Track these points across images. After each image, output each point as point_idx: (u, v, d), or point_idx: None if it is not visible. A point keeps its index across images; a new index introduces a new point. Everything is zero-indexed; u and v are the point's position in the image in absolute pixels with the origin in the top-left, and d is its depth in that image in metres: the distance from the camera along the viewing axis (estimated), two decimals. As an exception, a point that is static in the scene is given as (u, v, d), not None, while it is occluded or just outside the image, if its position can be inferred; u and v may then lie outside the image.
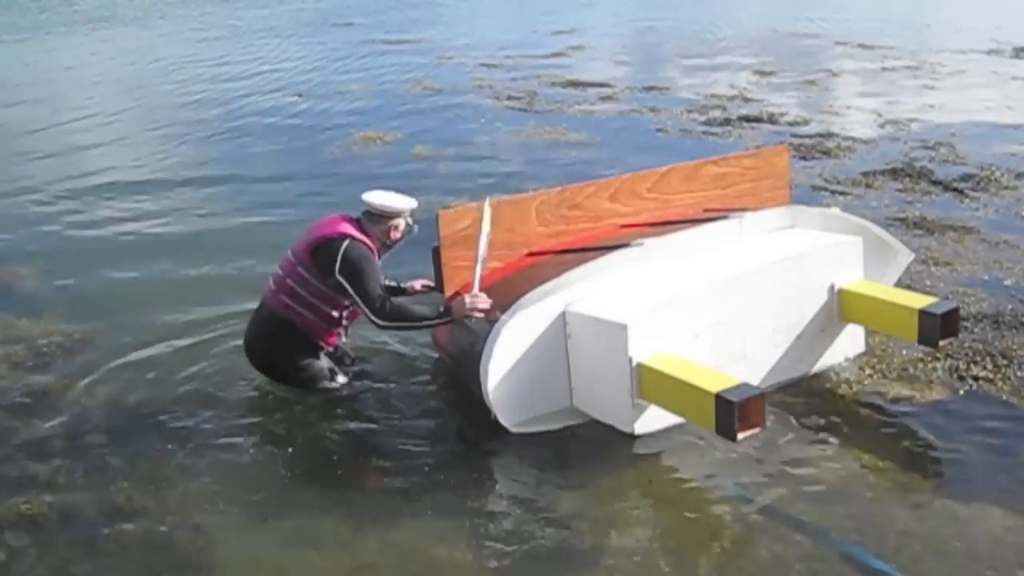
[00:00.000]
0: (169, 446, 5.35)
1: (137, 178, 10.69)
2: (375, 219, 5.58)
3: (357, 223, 5.56)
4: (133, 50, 20.60)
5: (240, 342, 5.94)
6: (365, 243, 5.47)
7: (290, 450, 5.32)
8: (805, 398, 5.56)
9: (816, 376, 5.75)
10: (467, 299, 5.23)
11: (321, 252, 5.42)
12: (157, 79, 17.23)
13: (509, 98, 14.04)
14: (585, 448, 5.18)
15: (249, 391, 5.90)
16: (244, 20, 26.04)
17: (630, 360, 4.88)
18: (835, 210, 6.34)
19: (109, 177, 10.76)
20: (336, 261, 5.36)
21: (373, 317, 5.32)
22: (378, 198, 5.58)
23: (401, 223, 5.62)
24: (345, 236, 5.43)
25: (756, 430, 4.59)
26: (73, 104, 15.13)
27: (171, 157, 11.56)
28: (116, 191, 10.22)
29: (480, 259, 5.39)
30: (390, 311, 5.31)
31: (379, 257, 5.57)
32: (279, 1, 29.92)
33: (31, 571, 4.42)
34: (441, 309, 5.33)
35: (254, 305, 5.88)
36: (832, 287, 5.62)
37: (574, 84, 15.07)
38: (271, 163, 11.14)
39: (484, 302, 5.21)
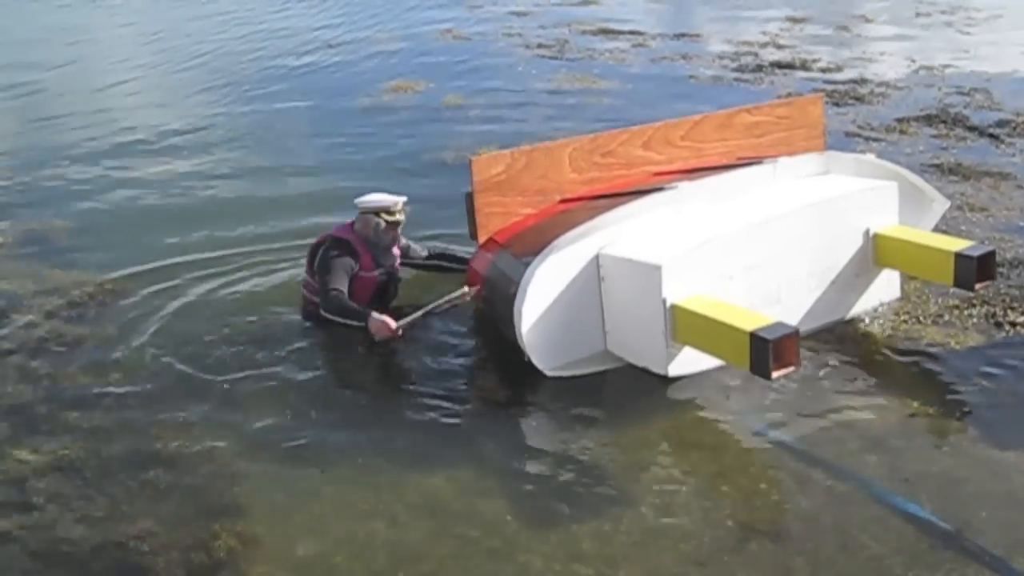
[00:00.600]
0: (204, 394, 5.41)
1: (170, 132, 10.67)
2: (360, 216, 5.94)
3: (351, 224, 5.98)
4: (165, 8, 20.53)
5: (274, 295, 6.18)
6: (344, 240, 5.87)
7: (325, 397, 5.37)
8: (839, 343, 5.55)
9: (850, 322, 5.73)
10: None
11: (311, 256, 6.00)
12: (189, 35, 17.22)
13: (540, 46, 13.94)
14: (618, 392, 5.22)
15: (283, 343, 5.93)
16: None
17: (664, 301, 4.89)
18: (870, 156, 6.31)
19: (144, 134, 10.75)
20: (316, 261, 5.90)
21: (319, 301, 5.79)
22: (364, 198, 5.96)
23: (382, 221, 5.86)
24: (327, 238, 5.95)
25: (790, 369, 4.60)
26: (108, 63, 15.13)
27: (205, 111, 11.54)
28: (150, 147, 10.22)
29: (426, 309, 5.68)
30: (331, 303, 5.70)
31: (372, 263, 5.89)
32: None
33: (68, 517, 4.47)
34: (363, 316, 5.62)
35: (286, 258, 5.99)
36: (867, 232, 5.59)
37: (605, 32, 14.94)
38: (302, 114, 11.12)
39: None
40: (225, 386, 5.49)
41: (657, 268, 4.88)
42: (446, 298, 5.67)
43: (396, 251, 6.08)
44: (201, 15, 18.33)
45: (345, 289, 5.74)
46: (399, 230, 5.99)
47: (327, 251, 5.85)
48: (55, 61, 14.91)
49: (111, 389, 5.51)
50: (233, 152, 9.82)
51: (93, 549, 4.27)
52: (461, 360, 5.68)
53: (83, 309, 6.50)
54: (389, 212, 5.86)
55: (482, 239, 5.75)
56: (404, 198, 5.94)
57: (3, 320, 6.38)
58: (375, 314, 5.56)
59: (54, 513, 4.49)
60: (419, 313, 5.62)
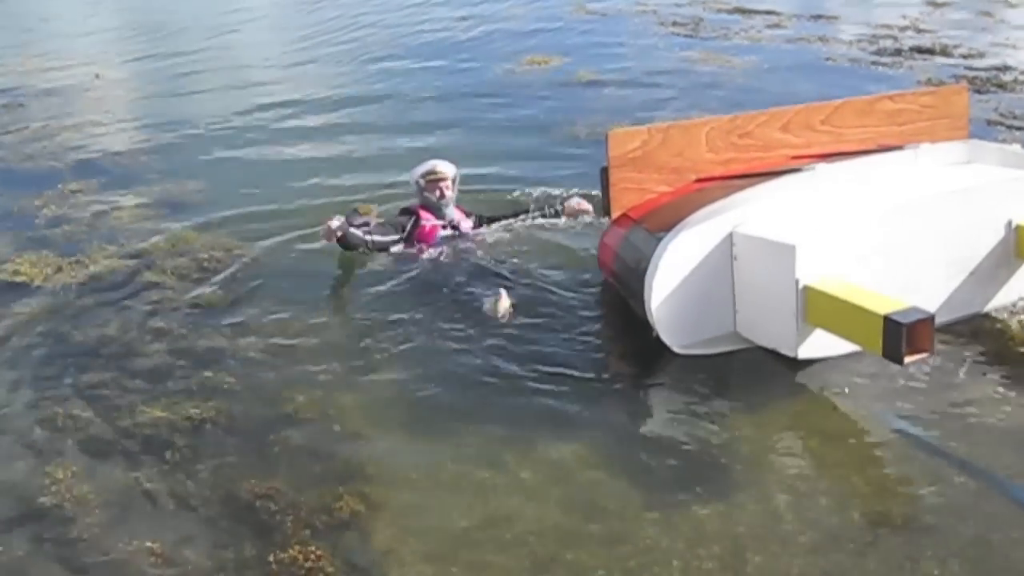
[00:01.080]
0: (335, 356, 5.53)
1: (305, 99, 10.92)
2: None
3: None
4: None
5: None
6: (408, 207, 6.93)
7: (456, 363, 5.44)
8: (975, 337, 5.43)
9: (988, 315, 5.61)
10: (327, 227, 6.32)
11: None
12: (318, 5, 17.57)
13: (674, 24, 13.88)
14: (746, 374, 5.19)
15: (415, 306, 6.04)
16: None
17: (797, 282, 4.85)
18: (1016, 147, 6.17)
19: (279, 97, 11.03)
20: None
21: None
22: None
23: (421, 181, 6.86)
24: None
25: (924, 355, 4.51)
26: (258, 38, 15.51)
27: (337, 80, 11.79)
28: (286, 113, 10.48)
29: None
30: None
31: (435, 221, 6.79)
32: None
33: (198, 473, 4.61)
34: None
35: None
36: (1010, 223, 5.46)
37: (740, 10, 14.81)
38: (435, 85, 11.27)
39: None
40: (356, 348, 5.62)
41: (791, 248, 4.85)
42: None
43: (458, 212, 6.91)
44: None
45: (381, 236, 6.65)
46: (446, 190, 6.82)
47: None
48: (210, 33, 15.31)
49: (243, 350, 5.67)
50: (363, 117, 9.98)
51: (222, 505, 4.40)
52: (589, 334, 5.70)
53: (216, 271, 6.69)
54: (424, 175, 6.80)
55: (615, 214, 5.77)
56: (437, 163, 6.90)
57: (139, 281, 6.60)
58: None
59: (185, 469, 4.64)
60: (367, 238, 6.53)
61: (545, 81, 11.02)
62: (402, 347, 5.61)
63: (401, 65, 12.38)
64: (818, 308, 4.84)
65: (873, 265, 5.05)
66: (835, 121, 6.18)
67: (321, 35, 14.55)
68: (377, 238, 6.65)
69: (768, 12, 14.71)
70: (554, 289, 6.15)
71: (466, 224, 6.92)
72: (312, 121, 9.97)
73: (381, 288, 6.28)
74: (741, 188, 5.34)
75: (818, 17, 14.40)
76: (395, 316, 5.93)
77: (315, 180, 8.30)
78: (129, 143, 9.56)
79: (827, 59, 11.82)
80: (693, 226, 5.08)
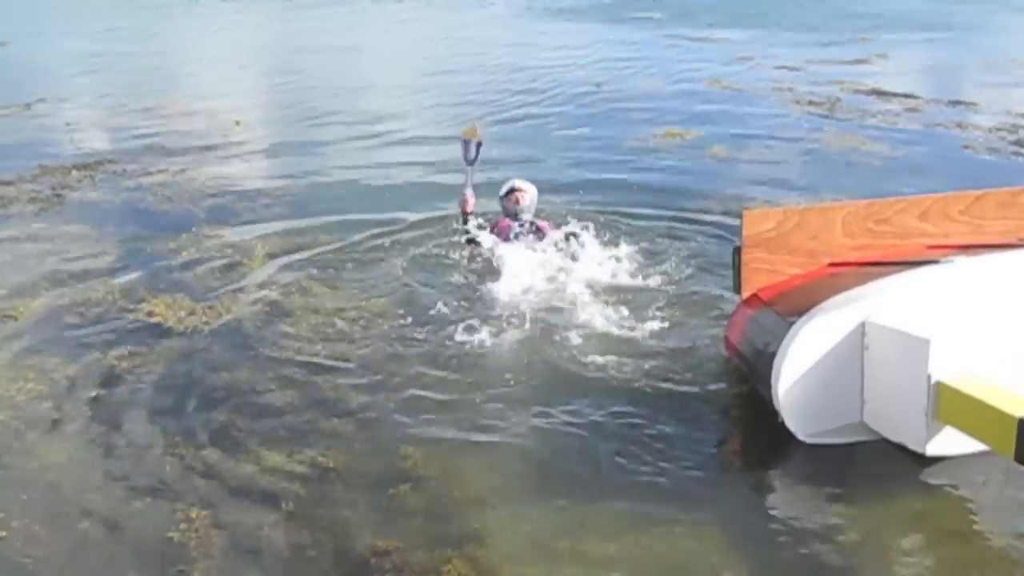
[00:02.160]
0: (456, 417, 5.58)
1: (440, 160, 11.07)
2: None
3: None
4: (438, 25, 21.32)
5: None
6: (495, 222, 8.00)
7: (571, 434, 5.42)
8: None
9: None
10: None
11: None
12: (453, 57, 17.84)
13: (810, 103, 13.81)
14: (871, 466, 5.09)
15: (531, 375, 6.08)
16: (532, 6, 26.55)
17: (929, 377, 4.76)
18: None
19: (414, 153, 11.26)
20: None
21: None
22: None
23: (502, 196, 8.03)
24: None
25: (1059, 462, 4.40)
26: (378, 75, 15.83)
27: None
28: (420, 167, 10.69)
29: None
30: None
31: (511, 222, 7.90)
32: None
33: (316, 524, 4.67)
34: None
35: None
36: None
37: (877, 92, 14.67)
38: (569, 149, 11.35)
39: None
40: (479, 409, 5.66)
41: (925, 342, 4.76)
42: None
43: (528, 217, 7.97)
44: (471, 41, 18.89)
45: (479, 232, 7.80)
46: (522, 200, 7.91)
47: None
48: (346, 78, 15.70)
49: (368, 403, 5.75)
50: (495, 170, 10.01)
51: (335, 557, 4.46)
52: (713, 416, 5.66)
53: (347, 325, 6.77)
54: (506, 192, 7.99)
55: (745, 294, 5.74)
56: (514, 183, 8.01)
57: (270, 328, 6.75)
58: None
59: (304, 517, 4.71)
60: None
61: (678, 154, 11.02)
62: (523, 413, 5.62)
63: (538, 123, 12.55)
64: (950, 405, 4.74)
65: (1010, 365, 4.92)
66: (975, 212, 6.06)
67: (456, 89, 14.77)
68: (479, 223, 7.92)
69: (905, 95, 14.55)
70: (677, 369, 6.11)
71: (542, 224, 7.98)
72: (446, 179, 10.06)
73: (505, 357, 6.30)
74: (876, 276, 5.27)
75: (956, 103, 14.19)
76: (515, 384, 5.96)
77: (447, 238, 8.35)
78: (265, 191, 9.79)
79: (965, 147, 11.62)
80: (825, 313, 5.03)
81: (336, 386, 5.96)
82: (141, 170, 10.54)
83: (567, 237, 7.82)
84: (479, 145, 8.18)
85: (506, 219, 7.98)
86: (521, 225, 7.92)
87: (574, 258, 7.62)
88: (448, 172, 10.07)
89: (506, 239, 7.80)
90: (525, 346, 6.38)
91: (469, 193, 7.99)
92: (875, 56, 18.05)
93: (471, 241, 7.85)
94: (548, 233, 7.90)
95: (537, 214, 8.10)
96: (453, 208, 8.41)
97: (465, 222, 7.98)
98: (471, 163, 8.17)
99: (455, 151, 8.65)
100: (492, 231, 7.89)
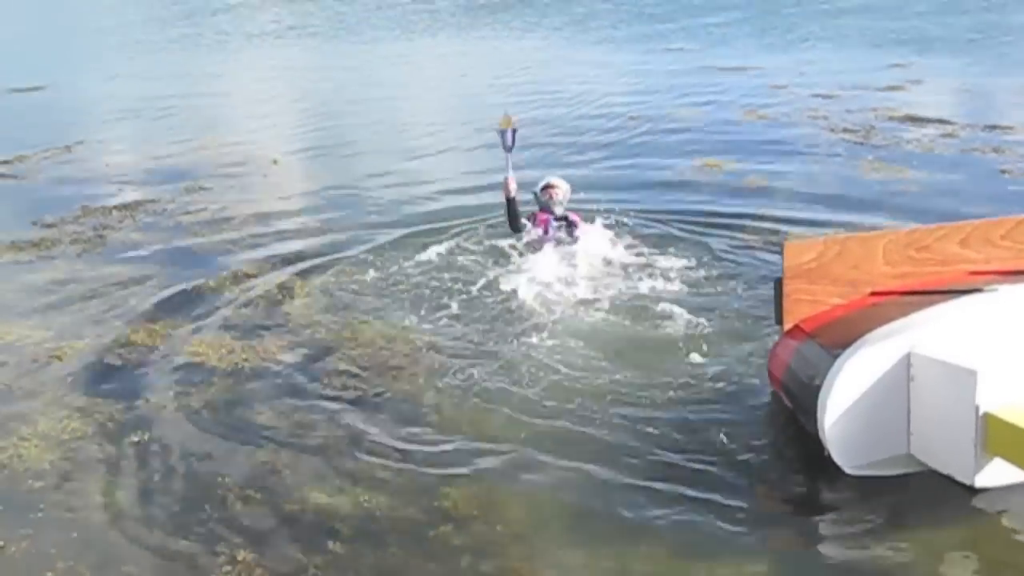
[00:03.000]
0: (495, 452, 5.60)
1: (473, 186, 11.13)
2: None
3: None
4: (473, 59, 21.46)
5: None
6: (533, 215, 8.90)
7: (613, 470, 5.40)
8: None
9: None
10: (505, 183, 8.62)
11: None
12: (490, 91, 17.95)
13: (845, 131, 13.75)
14: (919, 498, 5.04)
15: (566, 404, 6.09)
16: (568, 37, 26.67)
17: (977, 408, 4.72)
18: None
19: (449, 184, 11.32)
20: None
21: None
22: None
23: (538, 190, 9.00)
24: None
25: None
26: (415, 110, 15.94)
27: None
28: (456, 200, 10.73)
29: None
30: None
31: (547, 214, 8.83)
32: (613, 25, 30.46)
33: (360, 565, 4.70)
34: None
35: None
36: None
37: (912, 119, 14.59)
38: (605, 180, 11.34)
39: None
40: (517, 443, 5.67)
41: (972, 373, 4.72)
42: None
43: (561, 211, 8.86)
44: (505, 76, 18.98)
45: (522, 223, 8.80)
46: (555, 195, 8.86)
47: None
48: (384, 114, 15.82)
49: (408, 442, 5.77)
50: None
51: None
52: (757, 449, 5.61)
53: (386, 363, 6.78)
54: (542, 187, 8.97)
55: (788, 326, 5.73)
56: (549, 179, 9.08)
57: (310, 367, 6.79)
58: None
59: (348, 558, 4.74)
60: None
61: (715, 185, 10.99)
62: (560, 448, 5.61)
63: (571, 153, 12.59)
64: (999, 437, 4.69)
65: (1058, 394, 4.88)
66: (1016, 237, 6.02)
67: (486, 119, 14.77)
68: (518, 212, 8.74)
69: (940, 121, 14.46)
70: (718, 400, 6.10)
71: (574, 217, 8.87)
72: (489, 215, 10.03)
73: (540, 393, 6.28)
74: (919, 305, 5.25)
75: (992, 127, 14.08)
76: (551, 419, 5.95)
77: (487, 276, 8.34)
78: (304, 229, 9.85)
79: (1003, 171, 11.52)
80: (870, 345, 5.00)
81: (377, 422, 6.00)
82: (181, 210, 10.64)
83: (606, 227, 8.95)
84: (514, 132, 8.79)
85: (543, 212, 8.88)
86: (556, 219, 8.84)
87: (608, 262, 8.40)
88: (491, 209, 10.10)
89: (545, 232, 8.74)
90: (561, 383, 6.37)
91: (511, 177, 8.61)
92: (908, 82, 17.94)
93: (515, 220, 8.75)
94: (580, 225, 8.79)
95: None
96: (498, 244, 8.75)
97: (509, 204, 8.68)
98: (509, 150, 8.75)
99: (496, 188, 9.05)
100: (531, 221, 8.82)
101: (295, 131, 15.44)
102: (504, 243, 8.87)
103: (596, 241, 8.70)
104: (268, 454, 5.68)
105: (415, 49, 25.40)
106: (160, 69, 22.86)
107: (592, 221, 9.00)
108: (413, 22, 32.66)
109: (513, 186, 8.64)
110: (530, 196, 9.07)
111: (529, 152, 12.31)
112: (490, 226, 9.48)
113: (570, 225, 8.79)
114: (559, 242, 8.64)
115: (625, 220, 9.34)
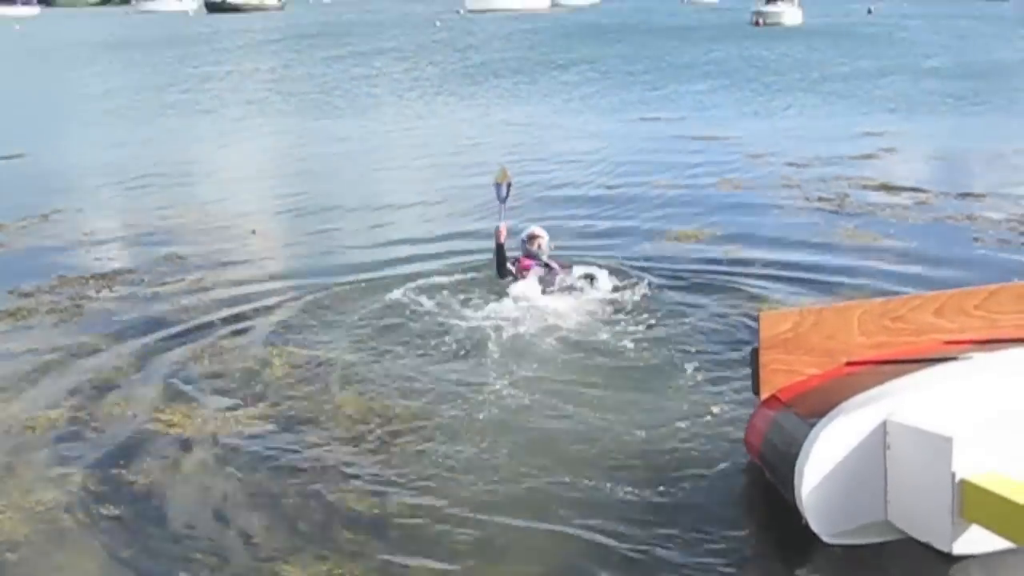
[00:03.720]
0: (465, 531, 5.59)
1: (457, 267, 11.13)
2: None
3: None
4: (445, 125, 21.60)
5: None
6: (519, 256, 9.63)
7: (584, 544, 5.40)
8: None
9: None
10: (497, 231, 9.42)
11: None
12: (462, 154, 18.11)
13: (819, 199, 13.89)
14: (897, 566, 5.07)
15: (546, 461, 6.09)
16: (548, 106, 26.92)
17: (953, 475, 4.75)
18: None
19: (423, 249, 11.36)
20: None
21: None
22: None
23: (525, 238, 9.70)
24: None
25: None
26: (391, 177, 16.03)
27: (468, 237, 12.01)
28: (431, 269, 10.72)
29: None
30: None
31: (531, 261, 9.54)
32: (600, 92, 30.77)
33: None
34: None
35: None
36: None
37: (886, 187, 14.76)
38: (581, 247, 11.38)
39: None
40: (494, 509, 5.69)
41: (948, 440, 4.76)
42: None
43: (546, 258, 9.61)
44: (483, 141, 19.11)
45: (508, 268, 9.52)
46: (536, 246, 9.59)
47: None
48: (363, 181, 15.88)
49: (392, 515, 5.76)
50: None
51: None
52: (734, 519, 5.63)
53: (367, 433, 6.78)
54: (527, 236, 9.68)
55: (764, 395, 5.76)
56: (533, 229, 9.81)
57: (289, 438, 6.77)
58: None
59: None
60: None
61: (692, 255, 11.01)
62: (535, 515, 5.63)
63: (548, 223, 12.58)
64: (975, 504, 4.72)
65: (1033, 460, 4.92)
66: (990, 306, 6.09)
67: (469, 193, 14.83)
68: (506, 257, 9.48)
69: (914, 189, 14.65)
70: (698, 469, 6.10)
71: (555, 265, 9.53)
72: (465, 276, 10.10)
73: (507, 450, 6.34)
74: (894, 374, 5.29)
75: (965, 195, 14.26)
76: (521, 475, 5.96)
77: (468, 350, 8.30)
78: (282, 301, 9.78)
79: (976, 239, 11.66)
80: (846, 413, 5.03)
81: (352, 493, 5.98)
82: (158, 280, 10.60)
83: (586, 277, 9.50)
84: (509, 186, 9.73)
85: (527, 259, 9.59)
86: (540, 264, 9.52)
87: (589, 308, 8.93)
88: (464, 269, 10.20)
89: (528, 273, 9.41)
90: (529, 447, 6.45)
91: (503, 226, 9.43)
92: (882, 151, 18.19)
93: (501, 266, 9.49)
94: (559, 272, 9.51)
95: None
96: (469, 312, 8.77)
97: (499, 249, 9.41)
98: (503, 201, 9.68)
99: (469, 248, 9.70)
100: (515, 265, 9.50)
101: (275, 199, 15.44)
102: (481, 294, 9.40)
103: (575, 287, 9.42)
104: (242, 525, 5.64)
105: (403, 115, 25.60)
106: (141, 136, 22.91)
107: (571, 270, 9.65)
108: (403, 88, 32.91)
109: (504, 232, 9.38)
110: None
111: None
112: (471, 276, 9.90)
113: (551, 270, 9.50)
114: (542, 282, 9.33)
115: (601, 275, 9.63)
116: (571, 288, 9.36)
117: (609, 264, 10.13)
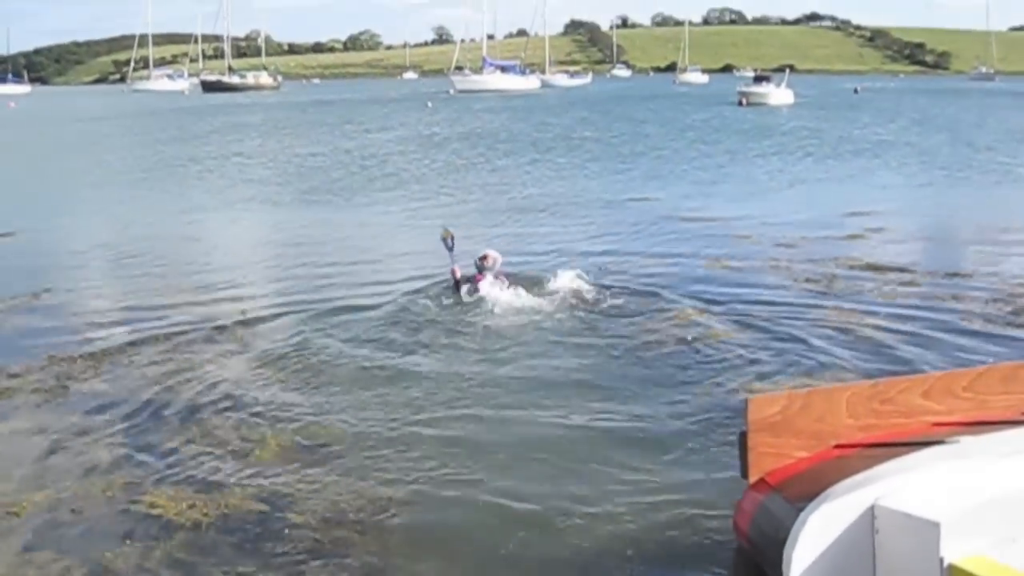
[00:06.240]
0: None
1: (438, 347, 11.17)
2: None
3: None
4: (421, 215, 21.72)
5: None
6: (472, 276, 12.76)
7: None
8: None
9: None
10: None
11: None
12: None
13: (807, 280, 13.95)
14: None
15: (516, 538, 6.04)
16: (535, 188, 27.10)
17: (941, 560, 4.72)
18: None
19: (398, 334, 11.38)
20: None
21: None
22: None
23: (479, 260, 12.82)
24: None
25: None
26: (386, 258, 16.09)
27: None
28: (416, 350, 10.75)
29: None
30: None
31: (483, 276, 12.65)
32: (587, 176, 31.01)
33: None
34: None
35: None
36: None
37: (873, 267, 14.83)
38: (571, 328, 11.42)
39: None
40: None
41: (936, 525, 4.73)
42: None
43: (495, 274, 12.67)
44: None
45: (463, 284, 12.69)
46: (489, 262, 12.70)
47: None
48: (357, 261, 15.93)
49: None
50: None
51: None
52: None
53: (356, 515, 6.79)
54: (481, 257, 12.78)
55: (753, 479, 5.74)
56: (486, 251, 13.00)
57: (273, 522, 6.73)
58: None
59: None
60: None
61: (682, 336, 11.03)
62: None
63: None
64: (964, 588, 4.69)
65: (1021, 544, 4.89)
66: (979, 388, 6.11)
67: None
68: (462, 278, 12.70)
69: (900, 269, 14.71)
70: (684, 553, 6.07)
71: (502, 277, 12.65)
72: (441, 359, 10.13)
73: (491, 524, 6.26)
74: (883, 457, 5.28)
75: (952, 274, 14.32)
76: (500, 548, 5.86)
77: (456, 413, 8.39)
78: (274, 380, 9.78)
79: (962, 319, 11.69)
80: (834, 498, 5.01)
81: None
82: (147, 361, 10.56)
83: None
84: (452, 239, 13.15)
85: (480, 274, 12.60)
86: (490, 277, 12.55)
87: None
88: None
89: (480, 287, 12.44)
90: (504, 514, 6.55)
91: (456, 267, 12.84)
92: (868, 231, 18.32)
93: (459, 286, 12.66)
94: (506, 281, 12.62)
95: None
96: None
97: (456, 282, 12.72)
98: (451, 250, 13.09)
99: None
100: (470, 281, 12.53)
101: (265, 280, 15.41)
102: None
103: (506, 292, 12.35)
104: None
105: (406, 193, 25.73)
106: (134, 212, 23.02)
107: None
108: (405, 163, 33.12)
109: (458, 272, 12.78)
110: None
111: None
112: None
113: (500, 279, 12.62)
114: (493, 285, 12.47)
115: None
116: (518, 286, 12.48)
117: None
